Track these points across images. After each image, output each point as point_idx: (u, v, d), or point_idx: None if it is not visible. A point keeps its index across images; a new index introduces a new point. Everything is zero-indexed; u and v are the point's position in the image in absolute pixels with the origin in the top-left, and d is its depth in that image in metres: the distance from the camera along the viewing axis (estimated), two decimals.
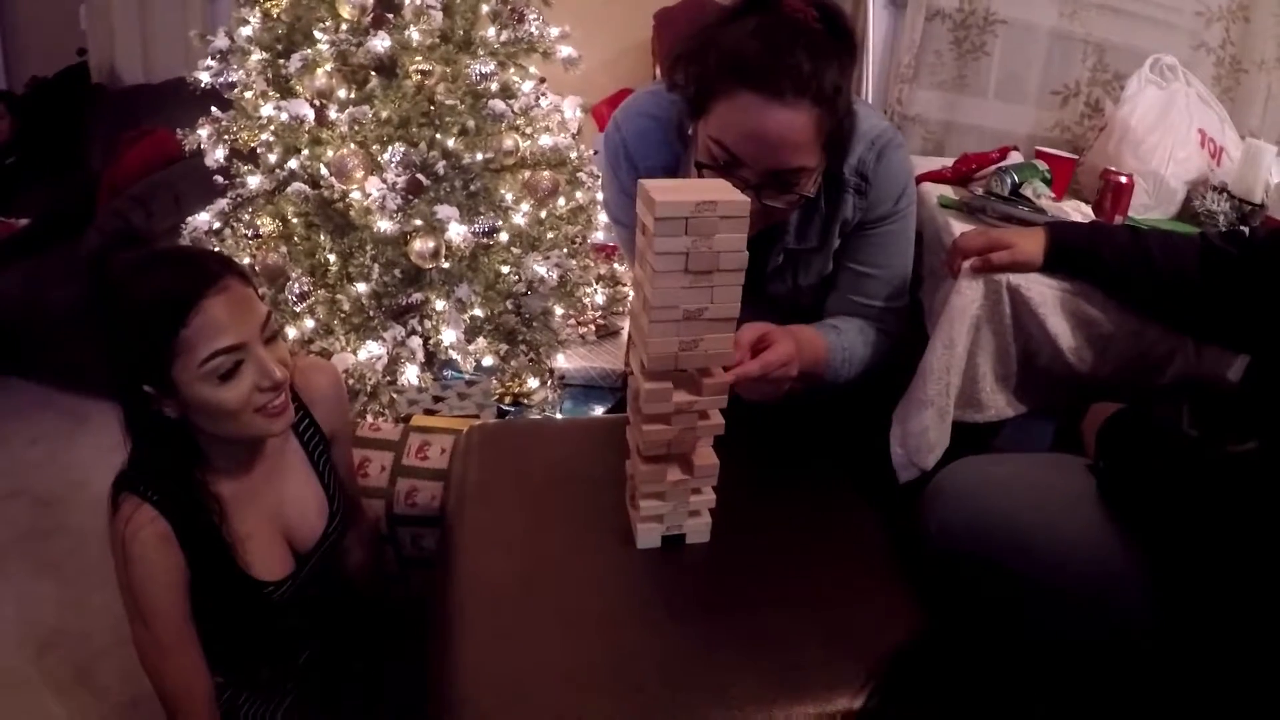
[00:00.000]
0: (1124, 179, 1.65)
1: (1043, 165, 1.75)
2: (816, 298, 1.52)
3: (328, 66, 1.99)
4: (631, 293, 2.65)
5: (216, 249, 2.15)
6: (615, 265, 2.70)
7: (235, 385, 1.15)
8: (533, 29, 2.18)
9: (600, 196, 2.34)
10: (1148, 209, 1.81)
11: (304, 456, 1.38)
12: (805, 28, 1.22)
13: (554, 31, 2.22)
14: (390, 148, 1.96)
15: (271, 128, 2.08)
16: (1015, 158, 1.86)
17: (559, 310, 2.30)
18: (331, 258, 2.10)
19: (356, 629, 1.53)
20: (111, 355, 1.16)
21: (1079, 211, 1.66)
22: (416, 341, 2.06)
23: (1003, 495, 1.22)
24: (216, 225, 2.20)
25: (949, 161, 1.96)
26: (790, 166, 1.24)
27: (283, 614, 1.34)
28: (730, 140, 1.23)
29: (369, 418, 2.04)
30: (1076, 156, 1.93)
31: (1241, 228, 1.63)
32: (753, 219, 1.27)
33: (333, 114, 2.02)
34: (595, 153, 2.53)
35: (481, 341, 2.15)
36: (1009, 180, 1.65)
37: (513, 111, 2.09)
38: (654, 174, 1.46)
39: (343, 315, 2.06)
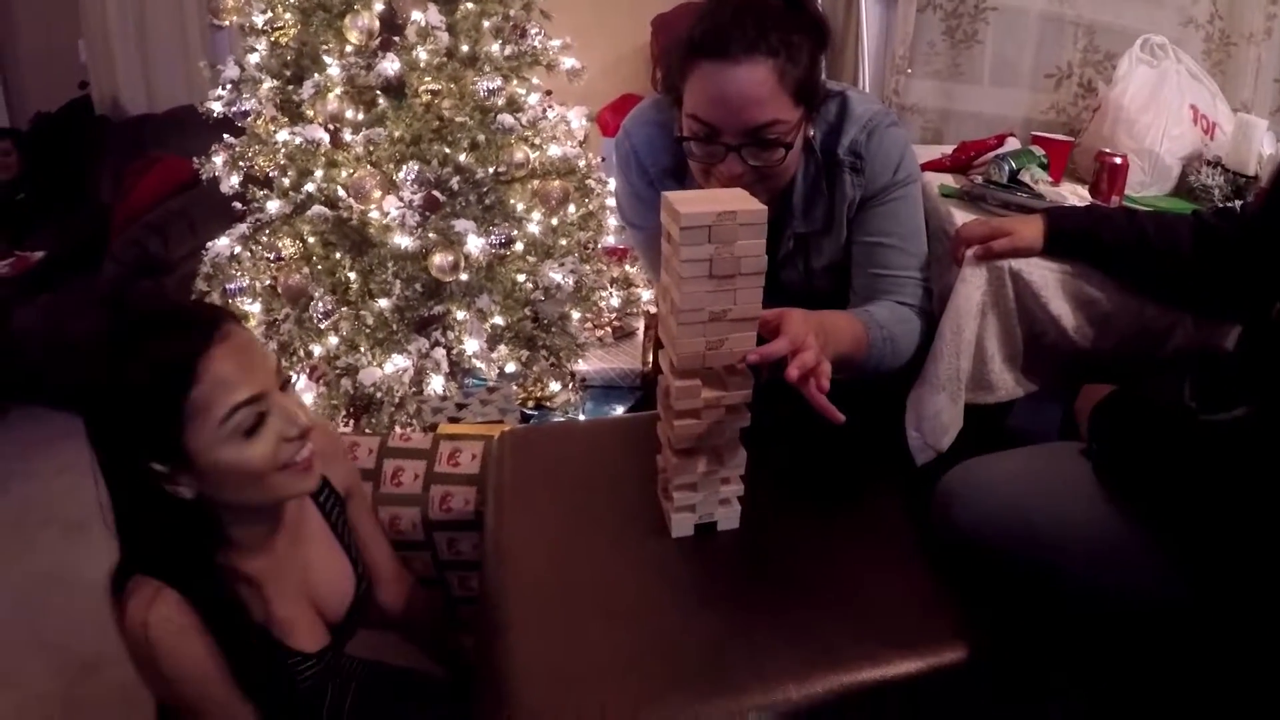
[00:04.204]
0: (1118, 160, 1.70)
1: (1039, 151, 1.80)
2: (830, 282, 1.55)
3: (338, 90, 2.05)
4: (646, 294, 2.70)
5: (238, 273, 2.20)
6: (628, 268, 2.75)
7: (260, 441, 1.03)
8: (535, 42, 2.23)
9: (610, 202, 2.40)
10: (1144, 186, 1.85)
11: (323, 522, 1.28)
12: (757, 4, 1.29)
13: (555, 43, 2.28)
14: (405, 166, 2.02)
15: (285, 151, 2.14)
16: (1012, 144, 1.91)
17: (576, 315, 2.36)
18: (352, 275, 2.16)
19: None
20: (107, 441, 1.03)
21: (1076, 195, 1.71)
22: (440, 352, 2.11)
23: (1008, 491, 1.25)
24: (236, 249, 2.26)
25: (948, 149, 2.01)
26: (762, 121, 1.29)
27: (323, 689, 1.25)
28: (701, 111, 1.30)
29: (397, 428, 2.10)
30: (1072, 139, 1.97)
31: (1232, 204, 1.68)
32: (752, 191, 1.30)
33: (347, 136, 2.08)
34: (602, 159, 2.59)
35: (503, 349, 2.21)
36: (1007, 168, 1.70)
37: (521, 124, 2.14)
38: (663, 176, 1.52)
39: (367, 330, 2.12)
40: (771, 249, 1.49)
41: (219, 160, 2.28)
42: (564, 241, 2.28)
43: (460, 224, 2.03)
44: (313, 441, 1.11)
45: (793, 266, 1.56)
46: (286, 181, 2.19)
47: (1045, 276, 1.40)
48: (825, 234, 1.51)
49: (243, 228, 2.28)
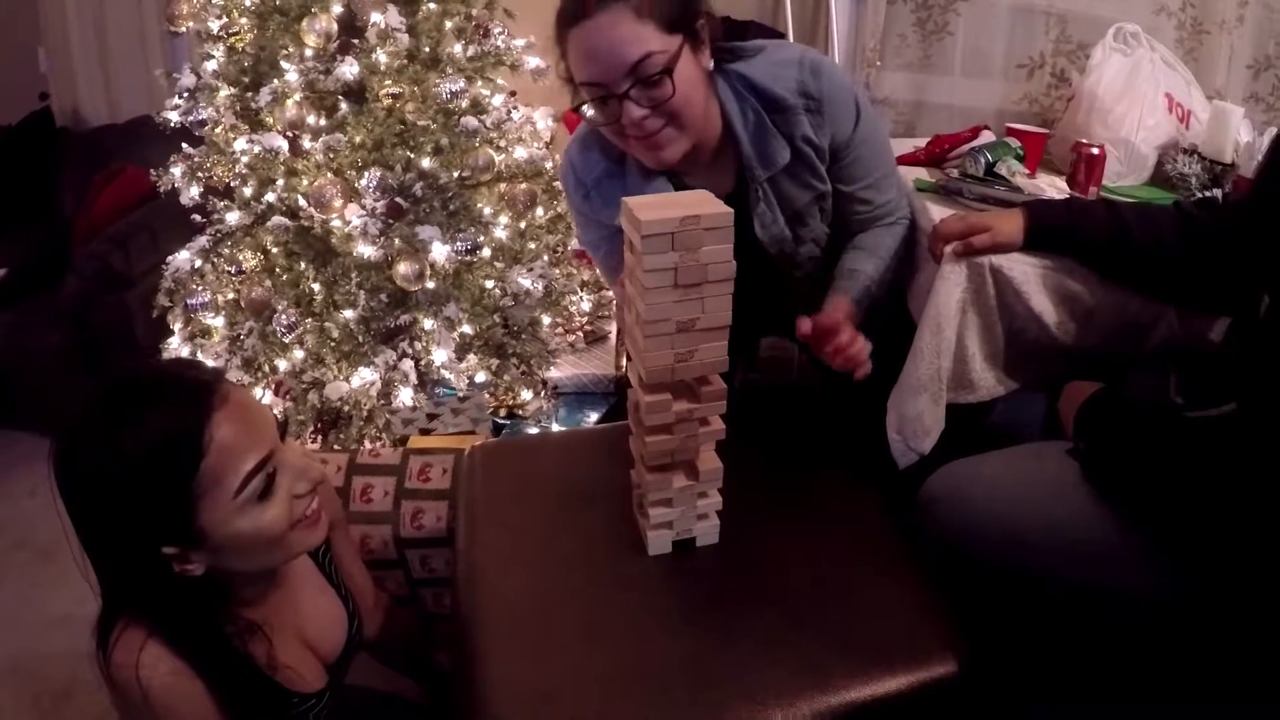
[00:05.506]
0: (1095, 150, 1.67)
1: (1015, 143, 1.77)
2: (810, 232, 1.57)
3: (297, 96, 1.99)
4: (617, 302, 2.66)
5: (200, 288, 2.15)
6: (598, 270, 2.71)
7: (274, 504, 0.99)
8: (499, 42, 2.18)
9: None
10: (1120, 176, 1.83)
11: (310, 563, 1.24)
12: None
13: (519, 43, 2.23)
14: (367, 173, 1.97)
15: (244, 161, 2.08)
16: (987, 136, 1.88)
17: (546, 320, 2.31)
18: (316, 287, 2.10)
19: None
20: (103, 530, 0.96)
21: (1054, 187, 1.68)
22: (408, 363, 2.06)
23: (990, 494, 1.24)
24: (197, 263, 2.20)
25: (921, 143, 1.98)
26: (635, 58, 1.28)
27: None
28: (583, 74, 1.32)
29: (366, 443, 2.05)
30: (1047, 131, 1.95)
31: (1213, 193, 1.66)
32: (670, 137, 1.35)
33: (306, 143, 2.02)
34: None
35: (473, 358, 2.16)
36: (983, 160, 1.67)
37: (485, 126, 2.09)
38: (598, 181, 1.52)
39: (332, 343, 2.07)
40: (745, 216, 1.49)
41: (177, 171, 2.22)
42: (532, 245, 2.23)
43: (425, 231, 1.98)
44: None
45: (772, 221, 1.53)
46: (247, 191, 2.14)
47: (1026, 272, 1.38)
48: (792, 175, 1.49)
49: (203, 240, 2.22)
